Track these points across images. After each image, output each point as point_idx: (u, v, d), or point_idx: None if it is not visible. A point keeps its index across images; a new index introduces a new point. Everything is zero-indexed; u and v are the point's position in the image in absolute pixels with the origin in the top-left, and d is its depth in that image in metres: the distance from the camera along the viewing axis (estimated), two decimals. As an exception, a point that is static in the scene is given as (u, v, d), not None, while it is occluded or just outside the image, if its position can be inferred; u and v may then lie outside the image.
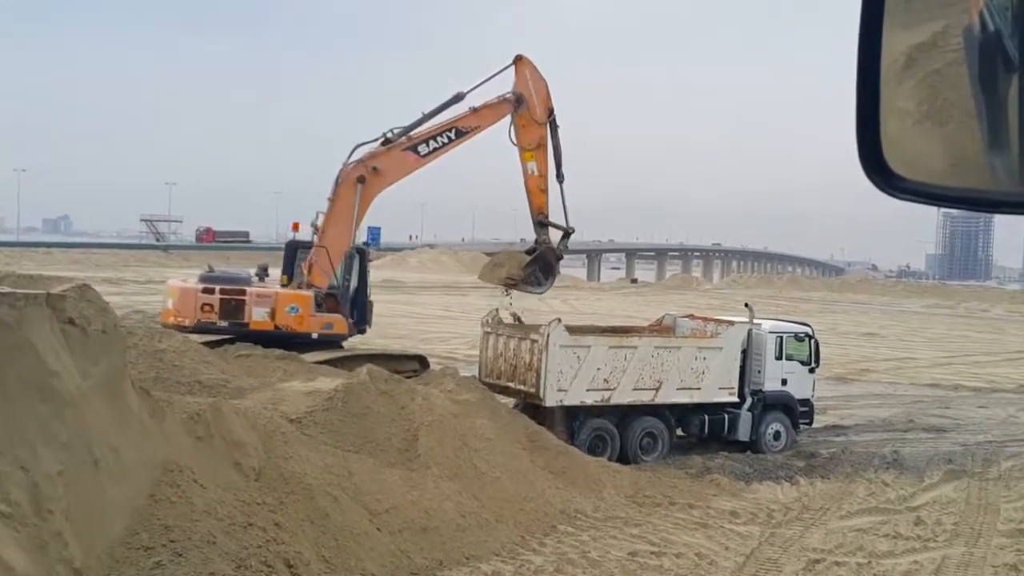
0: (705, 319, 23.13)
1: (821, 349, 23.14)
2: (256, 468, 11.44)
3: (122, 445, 9.46)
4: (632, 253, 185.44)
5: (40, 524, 7.92)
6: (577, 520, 14.66)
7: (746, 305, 23.03)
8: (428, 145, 22.07)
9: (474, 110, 22.23)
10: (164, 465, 10.09)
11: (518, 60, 22.39)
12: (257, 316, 20.88)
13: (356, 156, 21.97)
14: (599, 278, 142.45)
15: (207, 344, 19.61)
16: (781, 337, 22.13)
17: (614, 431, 19.90)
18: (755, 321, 22.11)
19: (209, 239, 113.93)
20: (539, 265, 22.59)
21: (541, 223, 22.54)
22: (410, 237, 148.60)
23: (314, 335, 21.07)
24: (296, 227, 23.07)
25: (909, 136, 2.35)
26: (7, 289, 9.03)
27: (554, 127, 22.38)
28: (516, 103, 22.13)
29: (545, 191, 22.35)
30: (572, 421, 19.57)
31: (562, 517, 14.62)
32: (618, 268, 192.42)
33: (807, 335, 22.60)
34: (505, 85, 22.52)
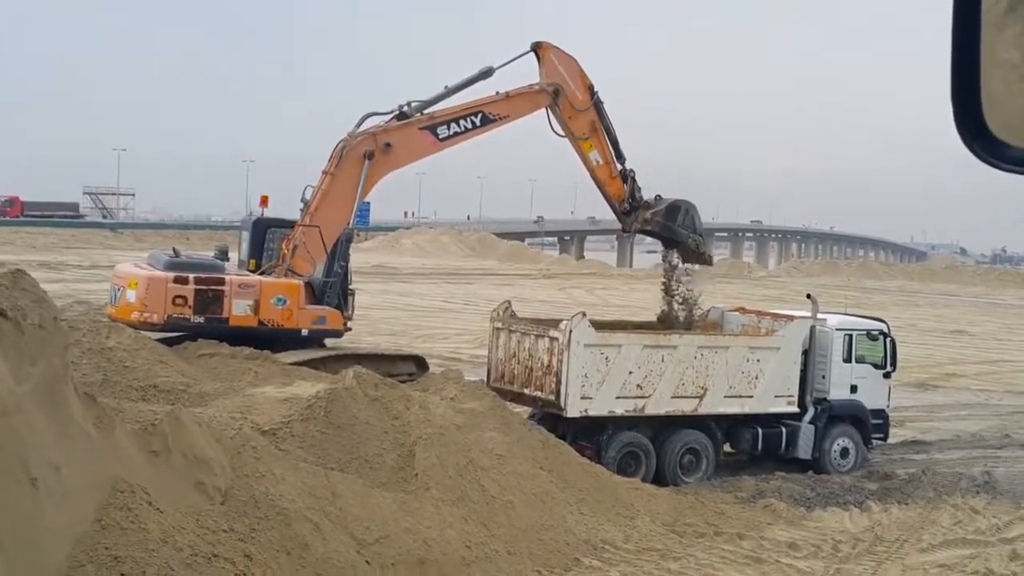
0: (759, 313, 23.12)
1: (898, 349, 23.09)
2: (222, 489, 11.48)
3: (63, 462, 9.48)
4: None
5: (-34, 554, 7.97)
6: (604, 552, 14.69)
7: (808, 296, 22.99)
8: (449, 128, 22.52)
9: (506, 95, 22.82)
10: (113, 485, 10.12)
11: (539, 48, 23.12)
12: (238, 310, 20.57)
13: (365, 127, 22.16)
14: (631, 264, 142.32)
15: (164, 341, 19.64)
16: (850, 335, 22.10)
17: (649, 447, 19.92)
18: (819, 316, 22.07)
19: (14, 213, 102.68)
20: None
21: (632, 207, 23.67)
22: (405, 214, 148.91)
23: (304, 331, 21.04)
24: (265, 201, 23.16)
25: (1015, 94, 2.31)
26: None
27: (599, 105, 23.30)
28: (554, 95, 22.93)
29: (617, 176, 23.50)
30: (599, 435, 19.60)
31: (586, 549, 14.65)
32: (654, 251, 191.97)
33: (882, 333, 22.56)
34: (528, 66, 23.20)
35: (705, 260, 24.45)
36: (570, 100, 23.04)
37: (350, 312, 22.34)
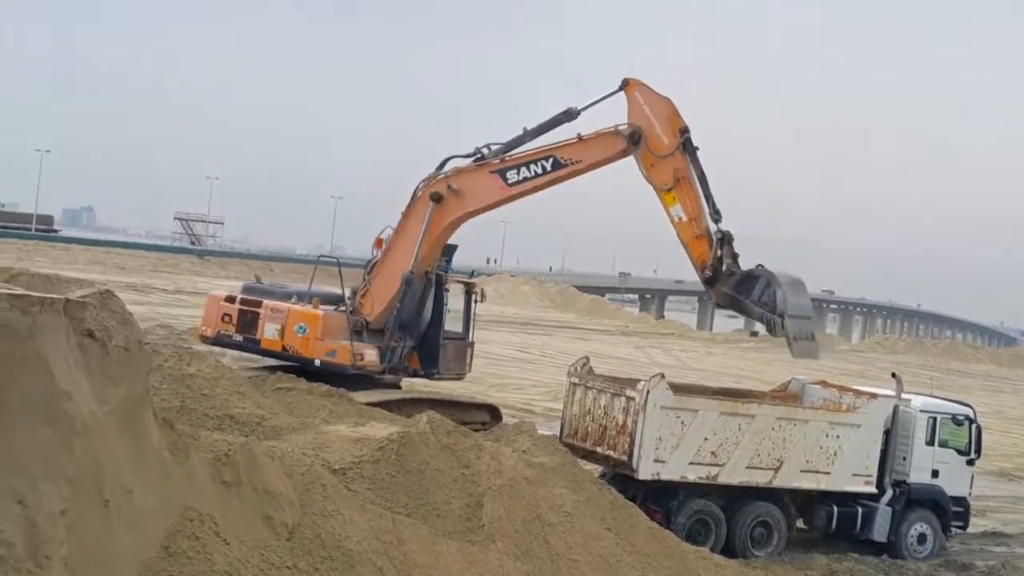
0: (841, 388, 22.78)
1: (984, 436, 22.58)
2: (289, 525, 11.49)
3: (137, 485, 9.56)
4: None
5: (36, 571, 8.03)
6: (668, 622, 14.43)
7: (893, 375, 22.59)
8: (519, 172, 21.48)
9: (580, 138, 21.47)
10: (183, 512, 10.18)
11: (627, 86, 21.47)
12: (268, 333, 21.57)
13: (445, 170, 22.02)
14: (711, 327, 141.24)
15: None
16: (935, 418, 21.70)
17: (720, 516, 19.65)
18: (903, 396, 21.69)
19: None
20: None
21: (716, 275, 20.91)
22: (488, 260, 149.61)
23: (317, 362, 21.27)
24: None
25: None
26: (20, 291, 9.23)
27: (691, 151, 21.16)
28: (633, 139, 21.15)
29: (703, 236, 20.92)
30: (669, 500, 19.38)
31: (650, 616, 14.40)
32: (736, 317, 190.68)
33: (967, 418, 22.11)
34: (621, 106, 21.67)
35: (788, 339, 20.39)
36: (652, 145, 21.04)
37: (445, 365, 22.42)
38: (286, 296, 22.07)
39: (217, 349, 21.71)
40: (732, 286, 20.70)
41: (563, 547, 14.56)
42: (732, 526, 19.72)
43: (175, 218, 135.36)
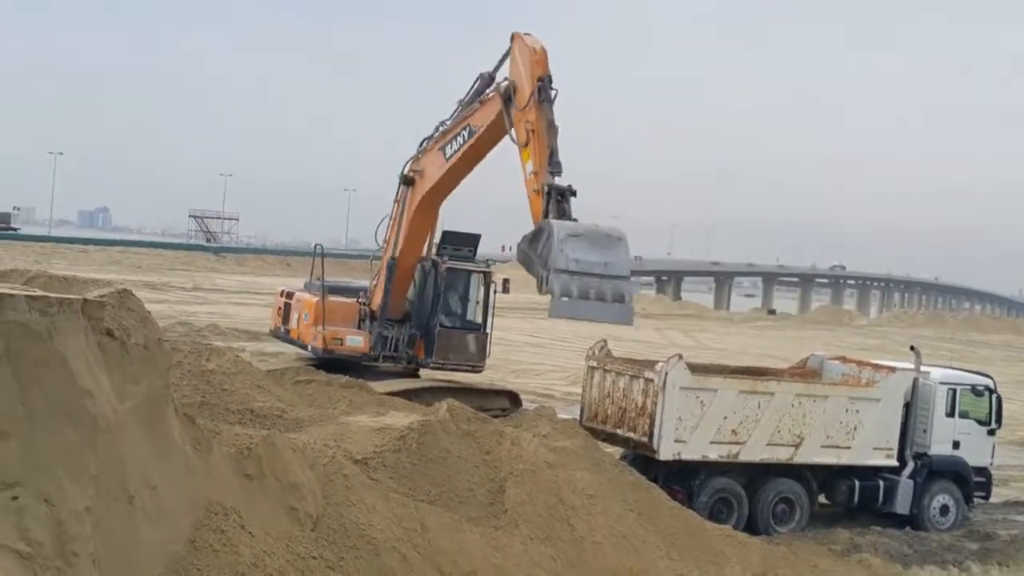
0: (860, 363, 22.72)
1: (1004, 406, 22.52)
2: (313, 516, 11.56)
3: (161, 481, 9.64)
4: (771, 278, 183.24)
5: (64, 568, 8.11)
6: (693, 600, 14.47)
7: (912, 348, 22.54)
8: (451, 146, 21.18)
9: (480, 103, 20.73)
10: (207, 507, 10.25)
11: (512, 40, 20.27)
12: (292, 323, 23.01)
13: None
14: (729, 307, 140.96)
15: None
16: (954, 390, 21.64)
17: (741, 494, 19.66)
18: (922, 368, 21.63)
19: None
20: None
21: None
22: (503, 248, 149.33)
23: (308, 347, 22.30)
24: None
25: None
26: (38, 292, 9.30)
27: (543, 99, 19.21)
28: (506, 96, 19.92)
29: (539, 192, 18.92)
30: (691, 479, 19.40)
31: (675, 595, 14.44)
32: (753, 295, 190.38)
33: (987, 388, 22.05)
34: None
35: (553, 296, 17.92)
36: (517, 100, 19.57)
37: (446, 353, 22.17)
38: (330, 290, 22.30)
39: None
40: (527, 242, 18.61)
41: (586, 529, 14.60)
42: (754, 503, 19.73)
43: (190, 216, 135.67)
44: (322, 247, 24.54)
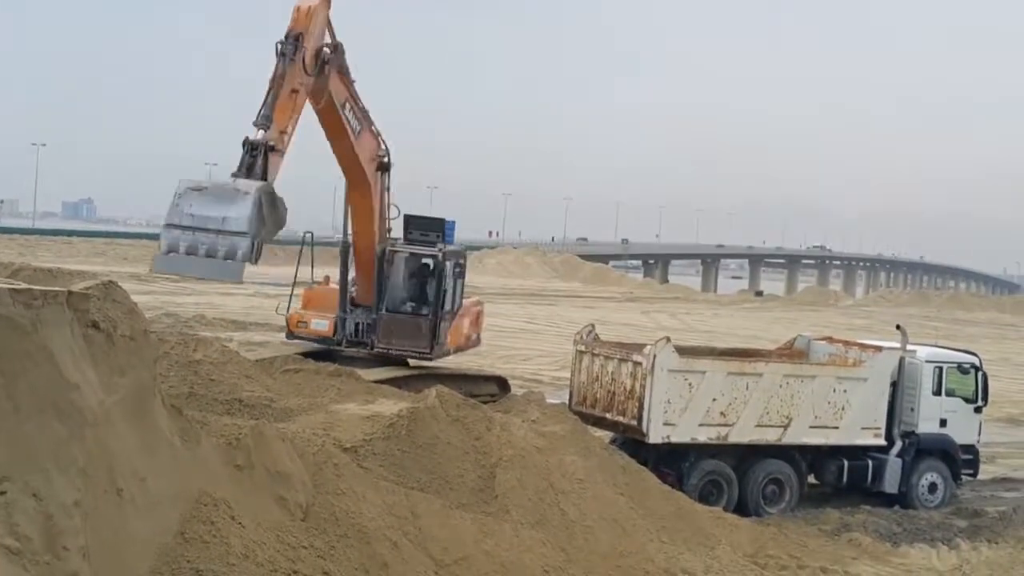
0: (846, 343, 22.80)
1: (990, 383, 22.61)
2: (303, 505, 11.53)
3: (149, 473, 9.59)
4: (757, 260, 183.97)
5: (54, 562, 8.07)
6: (684, 582, 14.50)
7: (898, 327, 22.62)
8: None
9: None
10: (197, 498, 10.21)
11: None
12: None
13: None
14: (716, 289, 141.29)
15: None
16: (941, 368, 21.73)
17: (731, 476, 19.73)
18: (908, 347, 21.71)
19: None
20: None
21: None
22: (490, 234, 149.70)
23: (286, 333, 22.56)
24: None
25: None
26: (22, 285, 9.24)
27: (280, 53, 18.37)
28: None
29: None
30: (681, 462, 19.45)
31: (666, 577, 14.47)
32: (739, 277, 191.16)
33: (973, 366, 22.15)
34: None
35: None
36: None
37: (379, 338, 21.30)
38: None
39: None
40: None
41: (577, 514, 14.63)
42: (744, 485, 19.80)
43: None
44: (312, 235, 24.22)
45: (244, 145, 17.62)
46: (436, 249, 21.52)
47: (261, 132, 17.80)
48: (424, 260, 21.76)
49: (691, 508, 16.90)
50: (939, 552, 17.86)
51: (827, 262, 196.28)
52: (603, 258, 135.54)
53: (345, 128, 20.34)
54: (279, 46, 18.22)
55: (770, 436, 19.93)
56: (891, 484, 20.99)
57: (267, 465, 11.52)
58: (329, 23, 19.26)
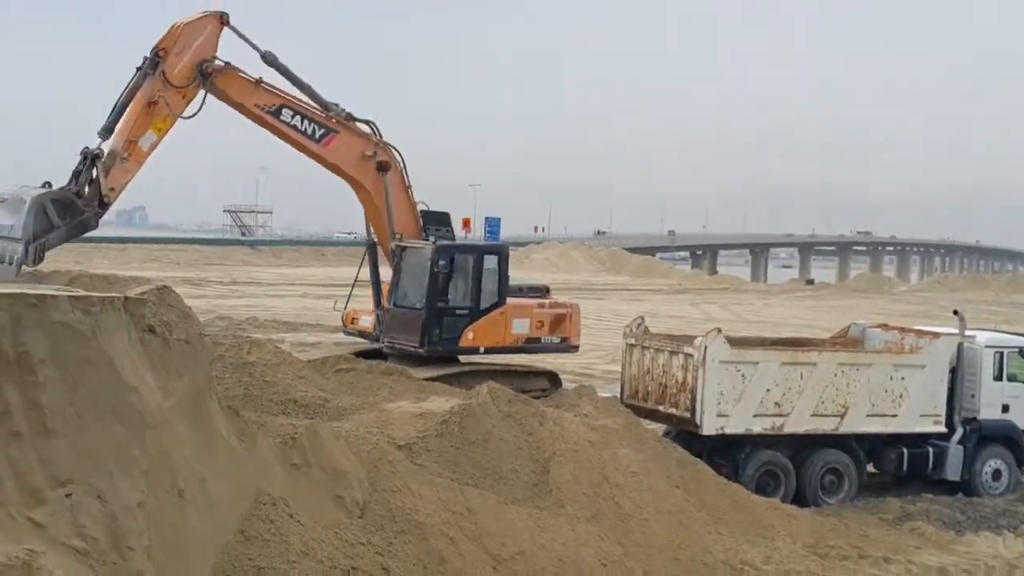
0: (902, 329, 22.56)
1: (1053, 368, 22.28)
2: (360, 502, 11.66)
3: (208, 473, 9.75)
4: (807, 247, 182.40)
5: (119, 562, 8.24)
6: (744, 574, 14.46)
7: (955, 312, 22.36)
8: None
9: None
10: (256, 497, 10.36)
11: None
12: None
13: None
14: (766, 278, 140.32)
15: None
16: (1001, 352, 21.45)
17: (788, 466, 19.61)
18: (967, 332, 21.46)
19: None
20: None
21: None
22: (535, 229, 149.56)
23: None
24: (467, 224, 22.96)
25: None
26: (81, 292, 9.43)
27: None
28: None
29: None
30: (736, 453, 19.36)
31: (725, 569, 14.44)
32: (789, 266, 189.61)
33: (1034, 350, 21.82)
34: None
35: None
36: None
37: (384, 331, 21.77)
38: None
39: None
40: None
41: (632, 507, 14.63)
42: (801, 475, 19.67)
43: (224, 211, 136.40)
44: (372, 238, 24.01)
45: (80, 153, 18.81)
46: (429, 242, 21.52)
47: (100, 141, 19.00)
48: (420, 255, 21.66)
49: (748, 499, 16.84)
50: (1005, 539, 17.65)
51: (879, 248, 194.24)
52: (650, 250, 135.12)
53: (289, 133, 21.11)
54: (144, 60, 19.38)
55: (826, 425, 19.78)
56: (953, 471, 20.76)
57: (323, 464, 11.67)
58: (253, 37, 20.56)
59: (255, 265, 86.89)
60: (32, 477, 8.05)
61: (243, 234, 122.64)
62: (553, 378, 22.65)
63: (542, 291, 23.43)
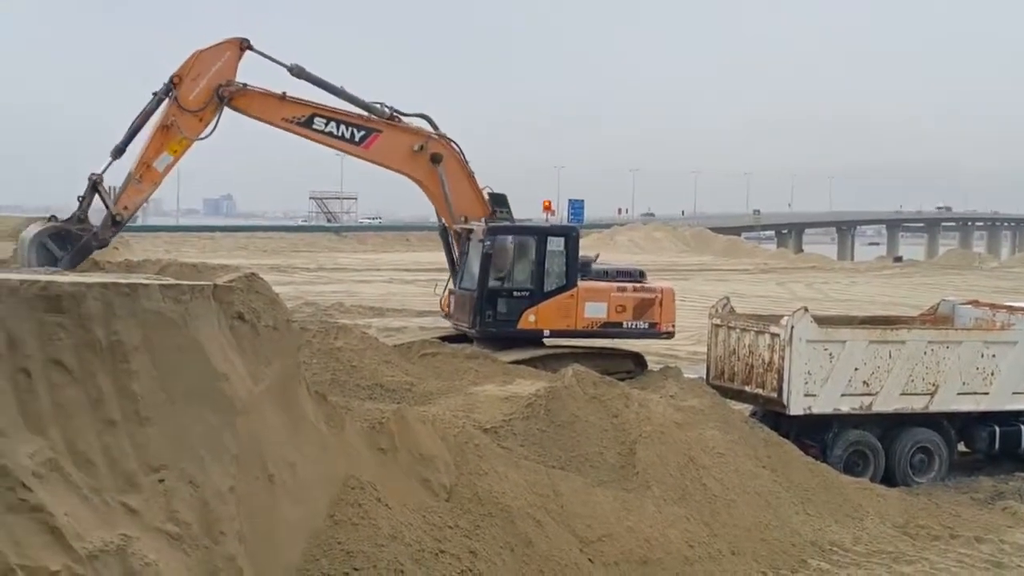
0: (993, 306, 22.05)
1: None
2: (447, 486, 11.70)
3: (298, 458, 9.86)
4: (895, 225, 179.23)
5: (212, 547, 8.37)
6: (833, 555, 14.28)
7: (1048, 287, 21.77)
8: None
9: None
10: (344, 481, 10.46)
11: None
12: None
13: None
14: (853, 256, 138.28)
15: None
16: (1097, 328, 20.81)
17: (877, 446, 19.29)
18: (1060, 308, 20.90)
19: None
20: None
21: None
22: (619, 211, 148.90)
23: None
24: (548, 207, 23.03)
25: None
26: (171, 281, 9.58)
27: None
28: None
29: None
30: (824, 433, 19.09)
31: (814, 550, 14.28)
32: (877, 244, 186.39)
33: None
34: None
35: None
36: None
37: (451, 312, 22.39)
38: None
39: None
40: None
41: (719, 488, 14.51)
42: (891, 455, 19.33)
43: (310, 198, 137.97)
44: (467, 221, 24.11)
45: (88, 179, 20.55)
46: (478, 225, 21.74)
47: (110, 161, 20.73)
48: (472, 235, 22.01)
49: (836, 479, 16.60)
50: (1101, 519, 17.19)
51: (969, 223, 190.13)
52: (735, 230, 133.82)
53: (325, 140, 22.02)
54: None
55: (916, 404, 19.41)
56: (1046, 450, 20.28)
57: (410, 448, 11.73)
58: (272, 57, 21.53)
59: (341, 251, 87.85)
60: (126, 463, 8.20)
61: (329, 220, 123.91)
62: (638, 359, 22.53)
63: (634, 275, 23.09)
